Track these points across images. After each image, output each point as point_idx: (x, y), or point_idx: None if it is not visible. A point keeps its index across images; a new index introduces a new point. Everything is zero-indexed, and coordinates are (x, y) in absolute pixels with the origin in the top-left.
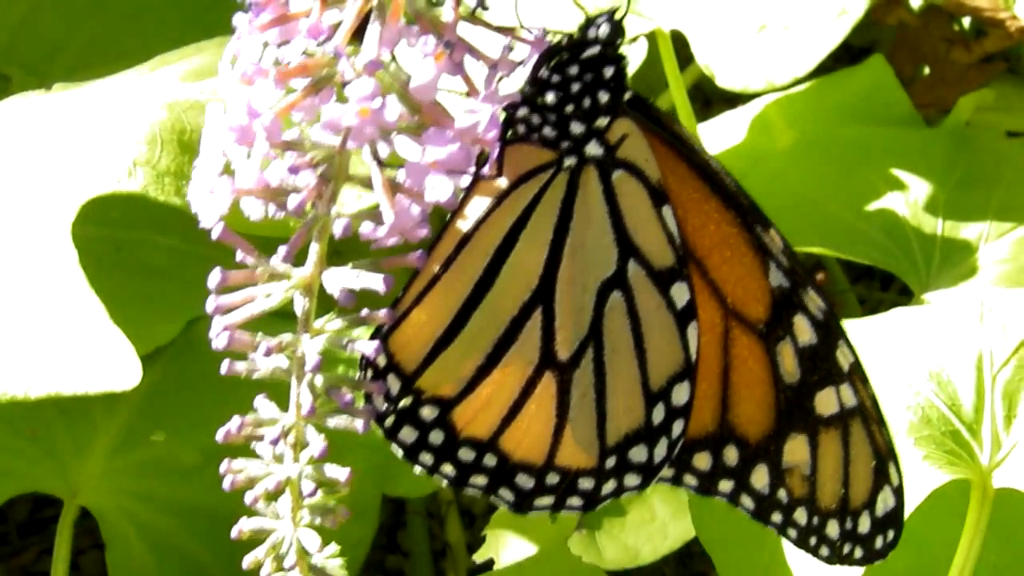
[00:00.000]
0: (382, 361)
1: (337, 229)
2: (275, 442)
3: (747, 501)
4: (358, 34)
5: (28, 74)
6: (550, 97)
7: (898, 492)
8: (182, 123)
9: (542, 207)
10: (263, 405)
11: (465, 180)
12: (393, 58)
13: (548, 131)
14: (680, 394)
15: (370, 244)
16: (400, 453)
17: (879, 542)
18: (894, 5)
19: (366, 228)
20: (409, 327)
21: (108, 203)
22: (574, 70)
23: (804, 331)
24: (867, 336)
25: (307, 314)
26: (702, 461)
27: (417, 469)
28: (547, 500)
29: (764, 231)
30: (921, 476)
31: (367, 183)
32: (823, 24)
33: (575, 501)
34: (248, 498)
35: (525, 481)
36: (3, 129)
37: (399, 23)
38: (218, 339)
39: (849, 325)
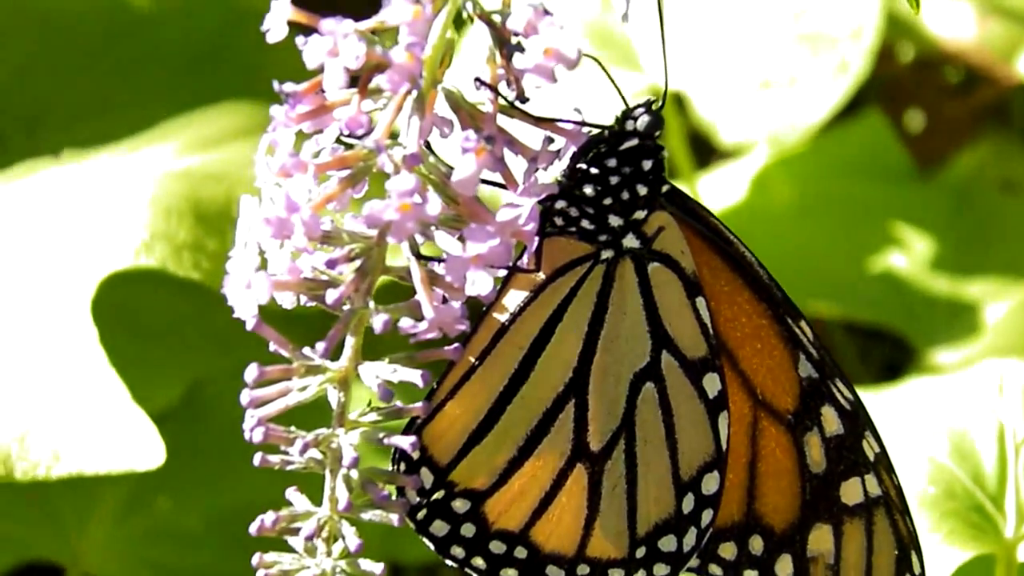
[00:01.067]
0: (416, 455)
1: (377, 324)
2: (310, 537)
3: None
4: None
5: (20, 128)
6: (588, 190)
7: None
8: (197, 195)
9: (578, 300)
10: (296, 498)
11: (503, 272)
12: (431, 149)
13: (586, 224)
14: (710, 484)
15: (408, 337)
16: (432, 547)
17: None
18: (888, 58)
19: (405, 323)
20: (443, 420)
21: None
22: (612, 162)
23: (831, 421)
24: (885, 407)
25: (342, 408)
26: (728, 551)
27: (448, 562)
28: None
29: (795, 322)
30: (946, 550)
31: (403, 275)
32: (826, 81)
33: None
34: None
35: (555, 573)
36: (19, 203)
37: (436, 115)
38: (253, 433)
39: (867, 395)
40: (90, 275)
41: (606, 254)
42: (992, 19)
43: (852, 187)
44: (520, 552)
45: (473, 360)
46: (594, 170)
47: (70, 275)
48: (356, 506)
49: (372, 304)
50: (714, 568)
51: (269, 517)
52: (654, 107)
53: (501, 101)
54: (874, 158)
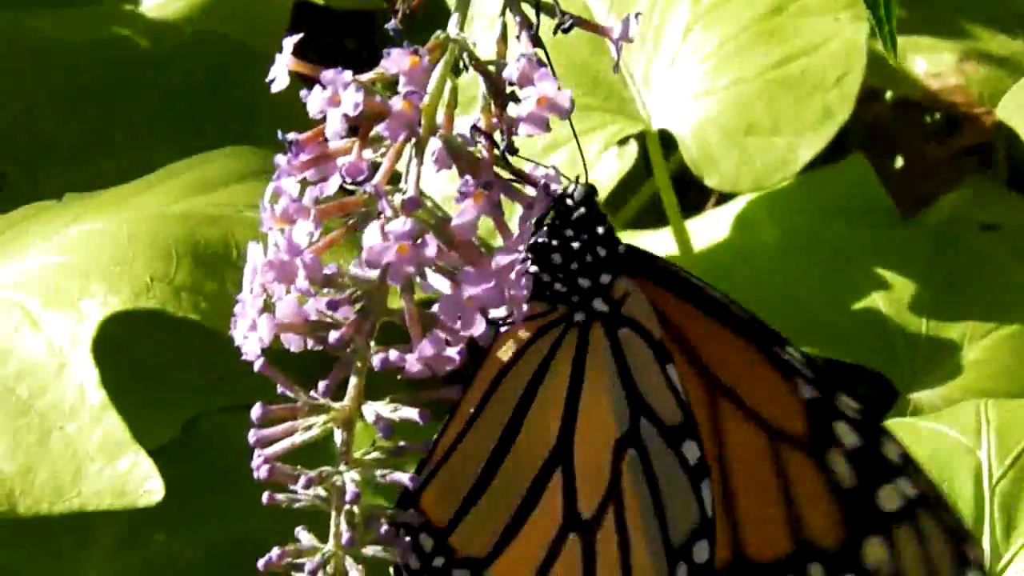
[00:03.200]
0: (415, 520)
1: (375, 363)
2: (314, 572)
3: None
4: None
5: (23, 171)
6: (555, 257)
7: (981, 569)
8: (196, 237)
9: (556, 363)
10: (303, 535)
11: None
12: (427, 197)
13: (559, 287)
14: (700, 553)
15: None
16: None
17: None
18: (870, 99)
19: (394, 357)
20: (439, 483)
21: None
22: (569, 232)
23: (847, 434)
24: None
25: (346, 446)
26: None
27: None
28: None
29: (781, 349)
30: None
31: (403, 318)
32: (810, 127)
33: None
34: None
35: None
36: (19, 242)
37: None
38: (259, 471)
39: None
40: (91, 317)
41: (579, 316)
42: (974, 62)
43: (835, 228)
44: None
45: (462, 425)
46: (555, 241)
47: (71, 316)
48: (360, 542)
49: (372, 344)
50: None
51: (275, 552)
52: (581, 180)
53: (499, 150)
54: (858, 200)
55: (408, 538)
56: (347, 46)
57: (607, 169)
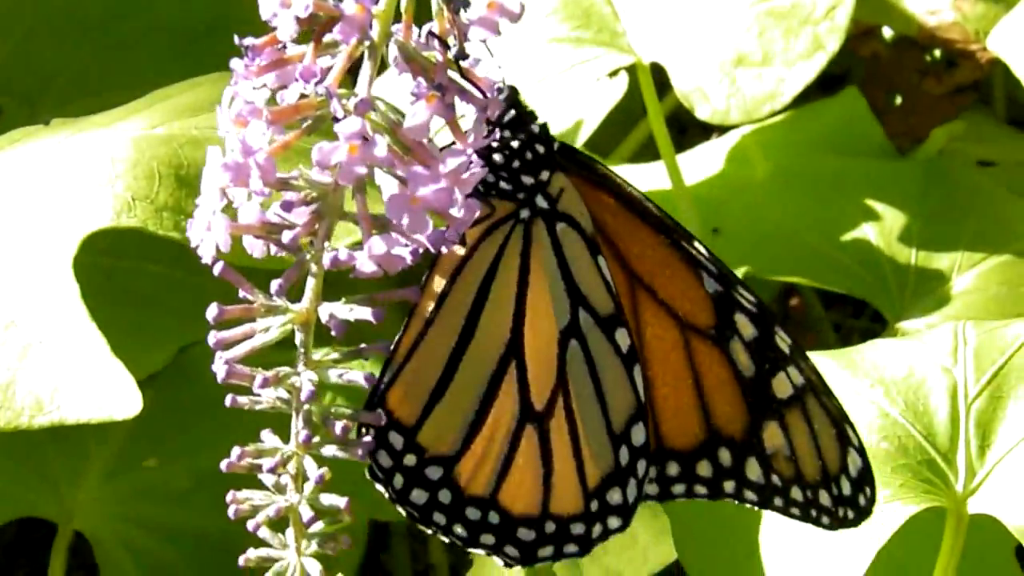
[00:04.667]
0: (381, 420)
1: (325, 262)
2: (273, 470)
3: (750, 495)
4: (351, 75)
5: (20, 104)
6: (497, 157)
7: (861, 450)
8: (179, 158)
9: (505, 260)
10: (267, 436)
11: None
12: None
13: (504, 185)
14: (638, 435)
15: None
16: (415, 515)
17: (862, 500)
18: (868, 37)
19: (344, 255)
20: (403, 382)
21: (99, 232)
22: (507, 132)
23: (746, 326)
24: (844, 367)
25: (304, 347)
26: (704, 469)
27: (431, 531)
28: (548, 550)
29: (689, 244)
30: (898, 504)
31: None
32: (799, 59)
33: (571, 548)
34: (251, 525)
35: (526, 534)
36: (4, 162)
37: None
38: (219, 372)
39: (826, 357)
40: (72, 233)
41: (524, 214)
42: None
43: (828, 161)
44: (493, 517)
45: (421, 324)
46: (494, 141)
47: (53, 234)
48: (320, 443)
49: (327, 245)
50: (699, 488)
51: (236, 451)
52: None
53: (450, 55)
54: (850, 134)
55: (376, 437)
56: None
57: (597, 101)
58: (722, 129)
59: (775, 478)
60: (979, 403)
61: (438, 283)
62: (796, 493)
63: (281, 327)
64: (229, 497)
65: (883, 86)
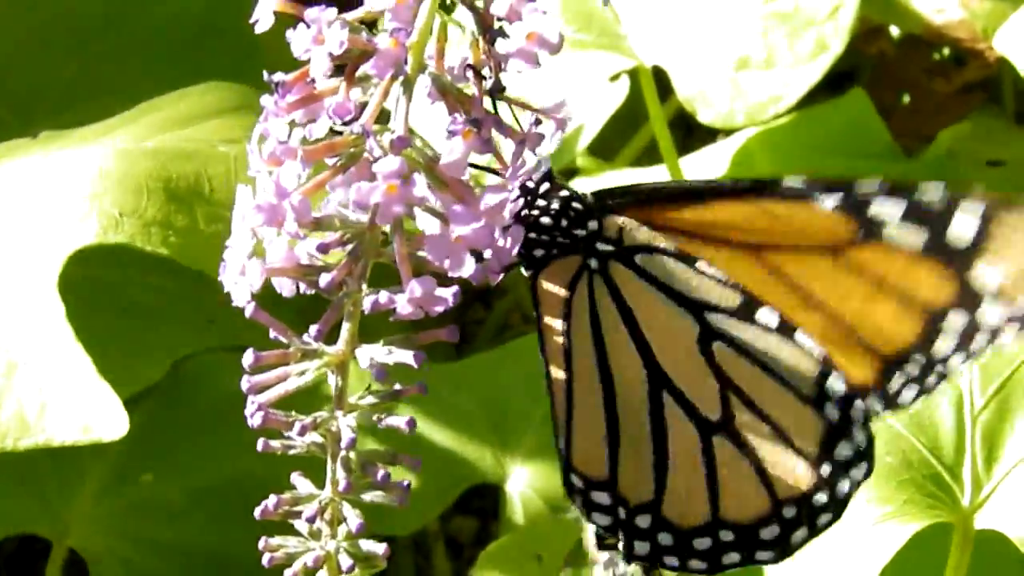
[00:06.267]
0: (579, 483)
1: (366, 306)
2: (312, 519)
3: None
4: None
5: (12, 112)
6: (545, 220)
7: None
8: (168, 172)
9: (600, 310)
10: (300, 482)
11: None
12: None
13: (561, 240)
14: (836, 385)
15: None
16: (650, 564)
17: None
18: (874, 35)
19: (384, 298)
20: (579, 442)
21: (87, 248)
22: (541, 202)
23: (884, 206)
24: None
25: (340, 391)
26: (943, 342)
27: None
28: (802, 533)
29: (775, 187)
30: (903, 519)
31: (395, 259)
32: (803, 61)
33: (825, 517)
34: (287, 575)
35: (769, 534)
36: None
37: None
38: (253, 418)
39: None
40: (58, 251)
41: (593, 263)
42: None
43: (834, 164)
44: (727, 535)
45: (561, 382)
46: (535, 211)
47: (39, 251)
48: (358, 488)
49: (365, 287)
50: (929, 379)
51: (272, 500)
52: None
53: (486, 87)
54: (856, 136)
55: (585, 502)
56: None
57: (599, 105)
58: (728, 131)
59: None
60: (985, 415)
61: (553, 346)
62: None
63: (317, 371)
64: (261, 544)
65: (890, 85)
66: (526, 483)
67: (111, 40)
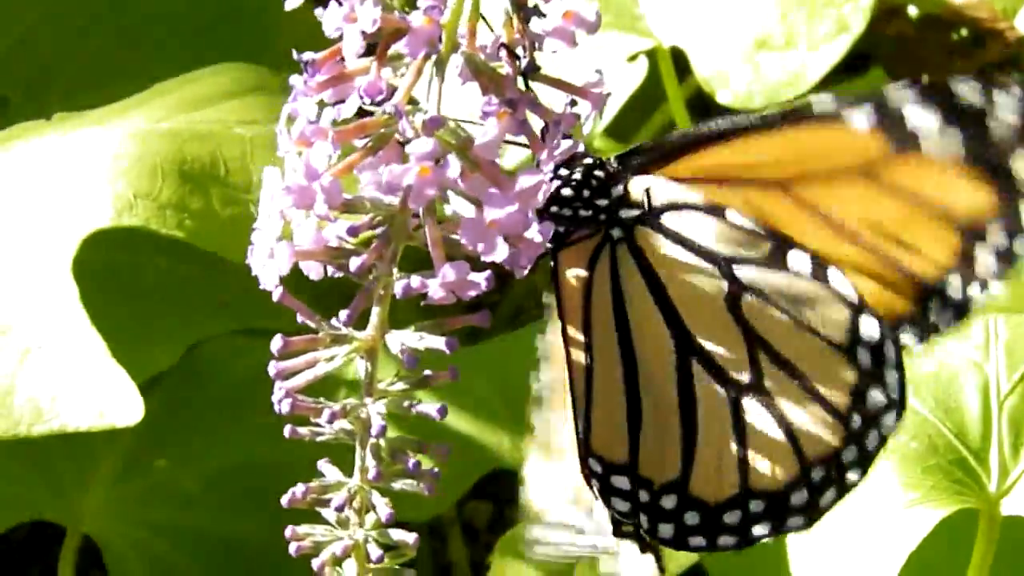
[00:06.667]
0: (597, 467)
1: (397, 290)
2: (341, 508)
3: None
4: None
5: (25, 95)
6: (566, 191)
7: None
8: (182, 154)
9: (625, 282)
10: (327, 469)
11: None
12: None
13: (583, 212)
14: (869, 327)
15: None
16: (672, 548)
17: None
18: (893, 15)
19: (416, 283)
20: (598, 425)
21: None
22: (563, 170)
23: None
24: None
25: (370, 377)
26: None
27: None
28: (831, 494)
29: (797, 115)
30: (929, 505)
31: (426, 243)
32: (823, 41)
33: (853, 475)
34: (315, 564)
35: (799, 499)
36: (4, 161)
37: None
38: (281, 405)
39: None
40: (72, 234)
41: (616, 233)
42: None
43: None
44: (756, 506)
45: (581, 363)
46: (556, 181)
47: (52, 234)
48: (387, 476)
49: (396, 271)
50: (971, 290)
51: (299, 488)
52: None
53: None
54: None
55: (603, 489)
56: None
57: (618, 86)
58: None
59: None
60: (1012, 400)
61: (574, 324)
62: None
63: (346, 356)
64: (288, 533)
65: (909, 66)
66: None
67: (125, 22)
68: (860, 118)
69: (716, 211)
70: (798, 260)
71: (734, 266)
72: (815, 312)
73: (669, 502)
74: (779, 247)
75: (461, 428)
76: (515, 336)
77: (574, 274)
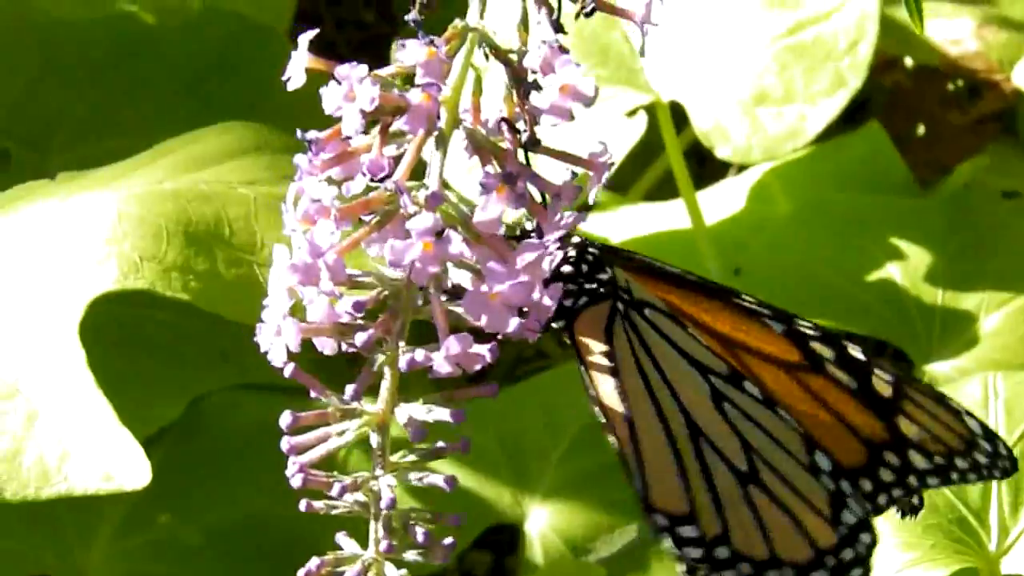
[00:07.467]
0: (662, 521)
1: (402, 364)
2: None
3: (931, 480)
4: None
5: (27, 148)
6: (566, 269)
7: (969, 413)
8: (187, 215)
9: (636, 350)
10: (343, 541)
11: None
12: (450, 188)
13: (588, 286)
14: (823, 461)
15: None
16: None
17: (1003, 450)
18: (890, 66)
19: (420, 356)
20: (653, 481)
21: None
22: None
23: (823, 350)
24: None
25: (381, 450)
26: (886, 474)
27: None
28: None
29: (739, 298)
30: (930, 564)
31: (432, 316)
32: (821, 95)
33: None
34: None
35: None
36: (10, 224)
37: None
38: (293, 479)
39: None
40: (78, 297)
41: (620, 306)
42: (993, 27)
43: (850, 198)
44: (788, 573)
45: (622, 421)
46: (553, 259)
47: (58, 297)
48: (400, 548)
49: (403, 345)
50: (895, 492)
51: (315, 562)
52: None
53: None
54: (873, 169)
55: (675, 538)
56: (365, 19)
57: (617, 141)
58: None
59: (937, 459)
60: None
61: (605, 392)
62: (959, 462)
63: (357, 430)
64: None
65: (905, 116)
66: (546, 523)
67: (124, 77)
68: (778, 327)
69: (679, 323)
70: (753, 388)
71: (709, 374)
72: (779, 435)
73: (723, 552)
74: (736, 373)
75: (462, 482)
76: (516, 389)
77: (595, 343)
